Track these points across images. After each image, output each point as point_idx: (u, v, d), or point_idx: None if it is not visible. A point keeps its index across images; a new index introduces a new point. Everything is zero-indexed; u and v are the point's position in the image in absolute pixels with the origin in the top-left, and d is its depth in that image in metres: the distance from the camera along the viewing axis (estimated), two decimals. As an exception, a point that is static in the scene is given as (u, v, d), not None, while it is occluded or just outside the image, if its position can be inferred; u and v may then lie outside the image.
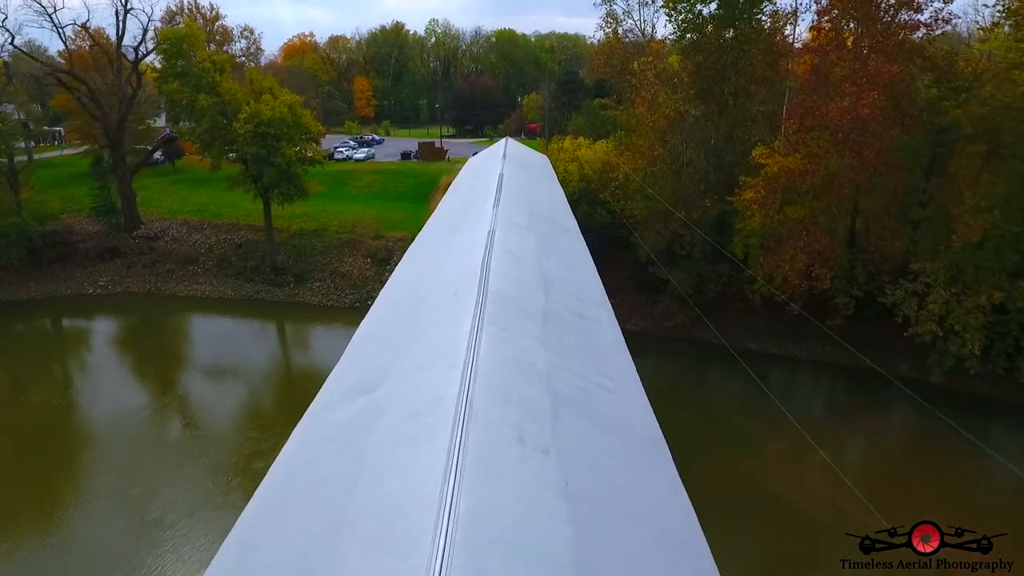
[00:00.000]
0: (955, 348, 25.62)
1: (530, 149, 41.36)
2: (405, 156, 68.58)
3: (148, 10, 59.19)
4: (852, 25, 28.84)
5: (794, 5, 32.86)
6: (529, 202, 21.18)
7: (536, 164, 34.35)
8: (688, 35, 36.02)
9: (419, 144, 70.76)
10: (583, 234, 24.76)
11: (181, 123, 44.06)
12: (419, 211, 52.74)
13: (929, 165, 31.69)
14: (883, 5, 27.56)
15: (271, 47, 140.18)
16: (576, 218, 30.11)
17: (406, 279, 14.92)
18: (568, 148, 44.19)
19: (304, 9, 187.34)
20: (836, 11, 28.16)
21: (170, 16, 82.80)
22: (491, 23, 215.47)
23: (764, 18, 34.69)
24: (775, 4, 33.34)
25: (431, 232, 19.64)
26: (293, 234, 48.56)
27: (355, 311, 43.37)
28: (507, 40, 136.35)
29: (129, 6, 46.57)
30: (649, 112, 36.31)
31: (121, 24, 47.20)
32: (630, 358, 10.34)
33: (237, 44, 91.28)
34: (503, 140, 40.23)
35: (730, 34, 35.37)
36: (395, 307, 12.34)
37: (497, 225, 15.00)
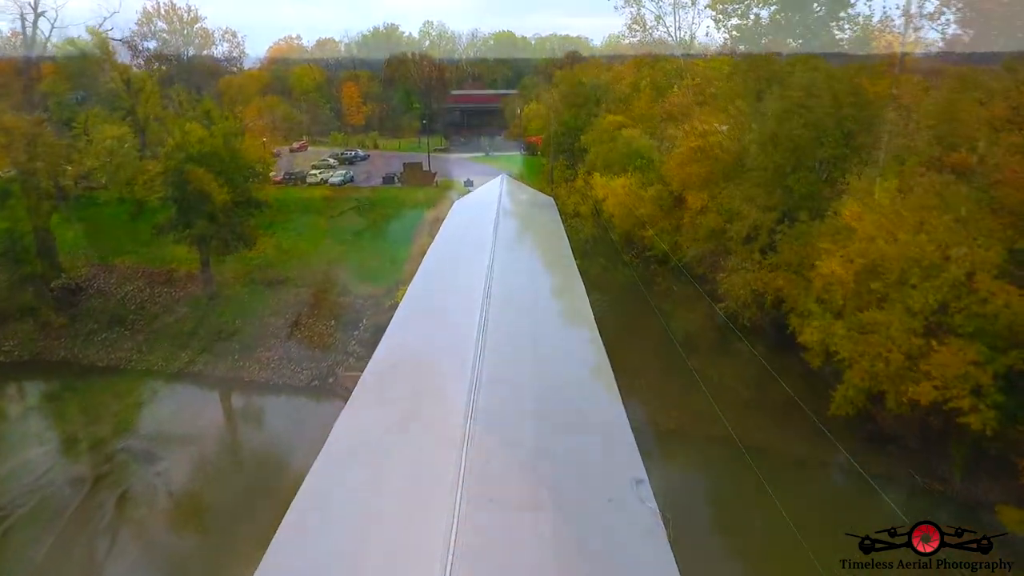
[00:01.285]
0: None
1: (531, 191, 32.64)
2: (387, 180, 59.88)
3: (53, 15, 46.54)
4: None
5: (905, 8, 23.83)
6: (532, 336, 12.89)
7: (540, 224, 25.75)
8: (741, 46, 27.26)
9: (404, 165, 61.92)
10: (597, 293, 17.10)
11: (87, 161, 35.01)
12: (398, 254, 44.11)
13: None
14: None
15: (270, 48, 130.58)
16: (591, 275, 22.36)
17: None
18: (580, 188, 35.38)
19: (305, 8, 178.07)
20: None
21: (147, 18, 74.31)
22: (490, 25, 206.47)
23: (845, 25, 25.83)
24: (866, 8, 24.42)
25: (380, 388, 11.22)
26: (242, 286, 39.83)
27: (312, 391, 34.63)
28: (506, 43, 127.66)
29: (40, 8, 37.73)
30: (689, 146, 27.51)
31: (31, 31, 38.44)
32: None
33: (218, 47, 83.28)
34: (498, 179, 31.58)
35: (797, 44, 26.58)
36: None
37: (475, 436, 7.64)
